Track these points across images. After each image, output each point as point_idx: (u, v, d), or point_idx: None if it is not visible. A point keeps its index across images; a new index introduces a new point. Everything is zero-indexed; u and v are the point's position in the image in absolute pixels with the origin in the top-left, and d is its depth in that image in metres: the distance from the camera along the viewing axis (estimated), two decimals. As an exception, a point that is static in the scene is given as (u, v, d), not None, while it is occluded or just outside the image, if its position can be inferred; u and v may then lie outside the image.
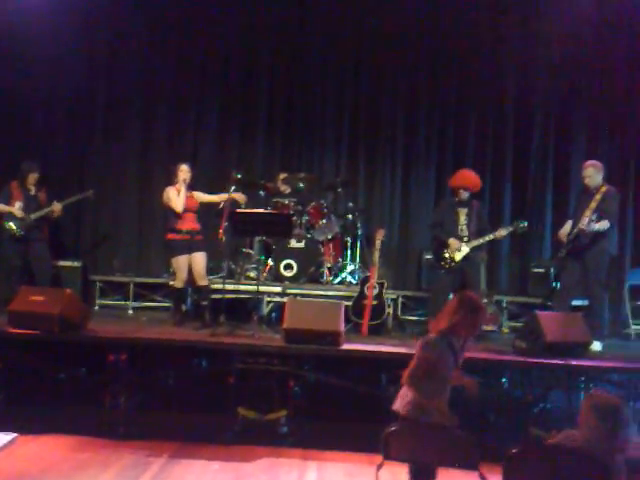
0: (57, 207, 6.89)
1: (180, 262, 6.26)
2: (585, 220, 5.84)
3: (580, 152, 7.87)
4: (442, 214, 6.66)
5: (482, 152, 8.16)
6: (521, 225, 6.42)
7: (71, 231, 8.17)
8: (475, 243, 6.36)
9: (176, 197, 6.26)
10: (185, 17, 8.20)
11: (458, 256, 6.34)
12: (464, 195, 6.50)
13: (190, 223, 6.32)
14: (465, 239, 6.38)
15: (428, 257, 7.65)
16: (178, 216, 6.27)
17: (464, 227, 6.46)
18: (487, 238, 6.37)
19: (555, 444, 2.81)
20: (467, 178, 6.59)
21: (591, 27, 7.85)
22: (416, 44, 8.18)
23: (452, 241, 6.37)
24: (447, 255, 6.39)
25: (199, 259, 6.29)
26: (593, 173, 6.07)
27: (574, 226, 6.07)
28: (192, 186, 6.45)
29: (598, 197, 5.98)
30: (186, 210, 6.29)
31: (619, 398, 2.93)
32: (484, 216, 6.66)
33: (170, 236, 6.33)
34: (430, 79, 8.23)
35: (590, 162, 6.19)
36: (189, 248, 6.26)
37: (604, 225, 5.86)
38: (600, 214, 5.89)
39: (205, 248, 6.41)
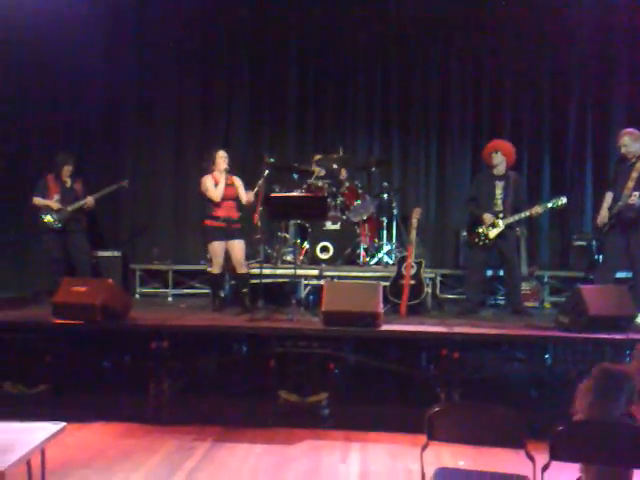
0: (90, 200, 6.97)
1: (215, 248, 6.27)
2: (634, 195, 5.66)
3: (618, 122, 7.63)
4: (478, 188, 6.55)
5: (518, 126, 8.00)
6: (559, 202, 6.27)
7: (109, 221, 8.28)
8: (510, 220, 6.24)
9: (213, 186, 6.22)
10: (212, 8, 8.17)
11: (492, 233, 6.24)
12: (498, 161, 6.37)
13: (228, 211, 6.27)
14: (500, 215, 6.27)
15: (465, 234, 7.55)
16: (216, 204, 6.27)
17: (499, 201, 6.34)
18: (523, 215, 6.24)
19: (604, 420, 2.75)
20: (499, 143, 6.51)
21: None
22: (447, 16, 8.00)
23: (486, 216, 6.26)
24: (481, 231, 6.29)
25: (237, 247, 6.28)
26: (629, 141, 5.87)
27: (616, 198, 5.90)
28: (231, 172, 6.37)
29: (638, 166, 5.81)
30: (224, 198, 6.24)
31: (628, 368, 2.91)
32: (522, 190, 6.49)
33: (207, 222, 6.33)
34: (463, 52, 8.09)
35: (626, 130, 5.99)
36: (226, 235, 6.25)
37: None
38: None
39: (243, 236, 6.39)
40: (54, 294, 5.50)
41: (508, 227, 6.26)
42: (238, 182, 6.38)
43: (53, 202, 6.84)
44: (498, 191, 6.37)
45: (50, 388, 5.20)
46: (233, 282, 6.94)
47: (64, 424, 3.09)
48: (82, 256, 7.01)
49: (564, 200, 6.26)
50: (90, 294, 5.32)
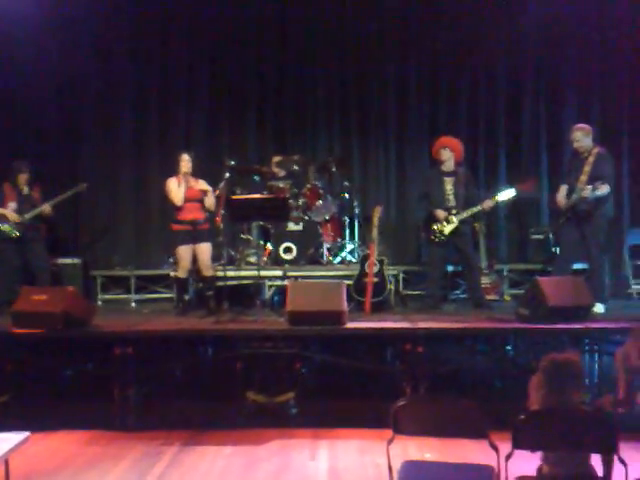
0: (47, 207, 6.84)
1: (182, 252, 6.24)
2: (587, 188, 5.80)
3: (571, 117, 7.83)
4: (428, 185, 6.67)
5: (475, 122, 8.14)
6: (509, 194, 6.43)
7: (69, 228, 8.16)
8: (464, 215, 6.36)
9: (176, 189, 6.21)
10: (171, 8, 8.11)
11: (447, 229, 6.35)
12: (446, 157, 6.50)
13: (193, 213, 6.25)
14: (454, 211, 6.38)
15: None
16: (180, 207, 6.23)
17: (451, 197, 6.46)
18: (475, 210, 6.37)
19: (561, 408, 2.84)
20: (445, 139, 6.64)
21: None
22: (402, 15, 8.11)
23: (439, 212, 6.38)
24: (436, 228, 6.39)
25: (204, 249, 6.27)
26: (581, 136, 6.04)
27: (570, 191, 6.06)
28: (196, 174, 6.36)
29: (591, 160, 5.97)
30: (189, 200, 6.22)
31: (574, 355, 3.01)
32: (472, 185, 6.63)
33: (173, 226, 6.32)
34: (418, 51, 8.18)
35: (578, 126, 6.16)
36: (193, 238, 6.23)
37: (605, 190, 5.86)
38: (597, 178, 5.87)
39: (210, 238, 6.36)
40: (13, 303, 5.40)
41: (462, 222, 6.37)
42: (205, 186, 6.35)
43: (9, 211, 6.71)
44: (448, 187, 6.48)
45: (12, 398, 5.10)
46: (197, 285, 6.91)
47: (28, 434, 3.06)
48: (41, 264, 6.90)
49: (513, 192, 6.42)
50: (50, 302, 5.24)
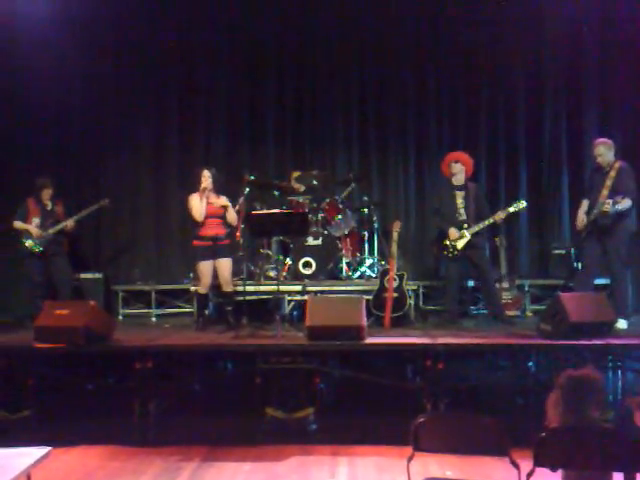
0: (70, 223, 6.94)
1: (203, 267, 6.27)
2: (608, 202, 5.76)
3: (592, 131, 7.79)
4: (440, 199, 6.66)
5: (494, 137, 8.11)
6: (520, 205, 6.39)
7: (90, 243, 8.23)
8: (475, 229, 6.34)
9: (197, 205, 6.23)
10: (190, 23, 8.23)
11: (460, 244, 6.33)
12: (457, 170, 6.50)
13: (214, 229, 6.25)
14: (465, 225, 6.36)
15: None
16: (201, 223, 6.27)
17: (462, 211, 6.44)
18: (487, 222, 6.34)
19: (582, 426, 2.80)
20: (456, 153, 6.68)
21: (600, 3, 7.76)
22: (422, 31, 8.15)
23: (452, 231, 6.37)
24: (448, 244, 6.37)
25: (224, 265, 6.27)
26: (604, 151, 6.01)
27: (592, 206, 6.01)
28: (219, 190, 6.39)
29: (613, 174, 5.92)
30: (210, 216, 6.23)
31: (593, 371, 2.95)
32: (483, 199, 6.61)
33: (194, 242, 6.34)
34: (438, 66, 8.19)
35: (600, 140, 6.13)
36: (213, 254, 6.24)
37: (627, 204, 5.82)
38: (618, 192, 5.82)
39: (231, 254, 6.39)
40: (36, 318, 5.46)
41: (474, 236, 6.34)
42: (225, 202, 6.35)
43: (32, 227, 6.80)
44: (459, 201, 6.47)
45: (34, 413, 5.14)
46: (217, 300, 6.93)
47: (49, 449, 3.07)
48: (64, 279, 6.97)
49: (524, 203, 6.41)
50: (72, 317, 5.28)
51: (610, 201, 5.77)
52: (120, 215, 8.24)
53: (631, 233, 6.18)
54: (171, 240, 8.25)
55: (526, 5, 7.88)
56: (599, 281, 6.51)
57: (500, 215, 6.35)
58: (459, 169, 6.52)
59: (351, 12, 8.17)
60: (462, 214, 6.43)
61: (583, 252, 6.32)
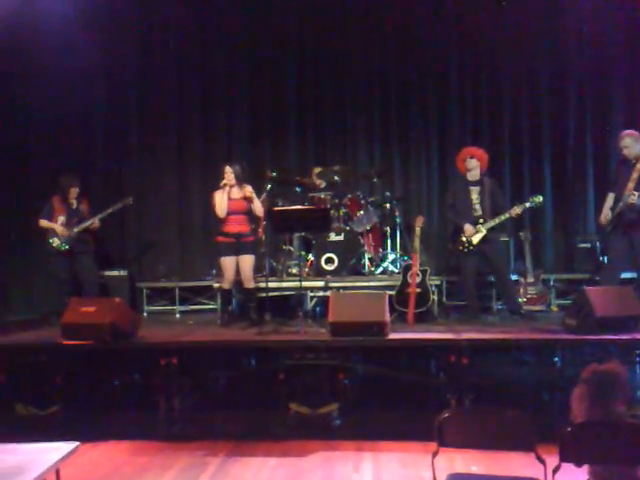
0: (96, 221, 7.00)
1: (225, 263, 6.29)
2: (634, 194, 5.68)
3: (617, 123, 7.69)
4: (454, 195, 6.60)
5: (518, 131, 8.04)
6: (536, 200, 6.31)
7: (115, 241, 8.32)
8: (491, 224, 6.28)
9: (219, 201, 6.25)
10: (209, 20, 8.26)
11: (475, 239, 6.29)
12: (472, 166, 6.44)
13: (237, 226, 6.27)
14: (481, 220, 6.31)
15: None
16: (224, 219, 6.29)
17: (477, 206, 6.39)
18: (503, 217, 6.29)
19: (607, 421, 2.77)
20: (471, 149, 6.61)
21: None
22: (444, 25, 8.09)
23: (467, 227, 6.32)
24: (464, 239, 6.33)
25: (246, 262, 6.29)
26: (630, 143, 5.92)
27: (617, 199, 5.93)
28: (244, 181, 6.37)
29: (639, 167, 5.84)
30: (232, 212, 6.26)
31: (616, 365, 2.91)
32: (499, 193, 6.54)
33: (217, 238, 6.38)
34: (460, 60, 8.14)
35: (627, 132, 6.03)
36: (236, 250, 6.26)
37: None
38: None
39: (254, 250, 6.40)
40: (62, 315, 5.53)
41: (490, 231, 6.29)
42: (250, 192, 6.34)
43: (58, 225, 6.88)
44: (474, 196, 6.42)
45: (62, 409, 5.22)
46: (239, 296, 6.97)
47: (77, 444, 3.11)
48: (89, 277, 7.04)
49: (540, 198, 6.33)
50: (98, 314, 5.36)
51: (637, 193, 5.69)
52: (144, 213, 8.31)
53: None
54: (194, 237, 8.31)
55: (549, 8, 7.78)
56: (625, 275, 6.42)
57: (516, 210, 6.28)
58: (474, 165, 6.46)
59: (372, 5, 8.14)
60: (477, 210, 6.38)
61: (609, 246, 6.24)
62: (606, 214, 6.04)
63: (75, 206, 7.05)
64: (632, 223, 5.84)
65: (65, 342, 5.35)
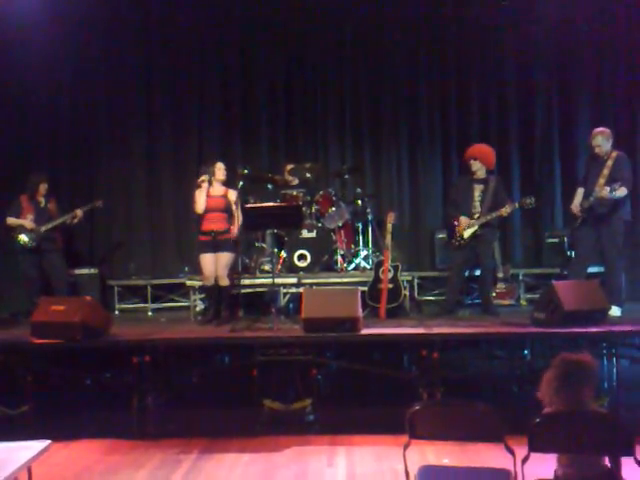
0: (79, 212, 6.98)
1: (203, 260, 6.25)
2: (605, 188, 5.77)
3: (583, 121, 7.86)
4: (458, 191, 6.66)
5: (486, 128, 8.14)
6: (528, 201, 6.39)
7: (85, 239, 8.23)
8: (483, 220, 6.34)
9: (198, 198, 6.26)
10: (180, 20, 8.20)
11: (467, 233, 6.35)
12: (476, 167, 6.47)
13: (214, 224, 6.24)
14: (476, 216, 6.37)
15: (440, 236, 7.68)
16: (201, 217, 6.29)
17: (477, 203, 6.44)
18: (494, 214, 6.32)
19: (576, 410, 2.83)
20: (478, 150, 6.59)
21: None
22: (413, 22, 8.15)
23: (462, 218, 6.38)
24: (457, 232, 6.40)
25: (221, 259, 6.23)
26: (602, 141, 6.02)
27: (588, 194, 6.04)
28: (226, 184, 6.40)
29: (610, 163, 5.95)
30: (211, 210, 6.24)
31: (588, 356, 2.98)
32: (501, 193, 6.52)
33: (199, 236, 6.38)
34: (429, 57, 8.22)
35: (599, 130, 6.12)
36: (214, 247, 6.23)
37: (623, 192, 5.84)
38: (615, 181, 5.84)
39: (232, 248, 6.34)
40: (32, 314, 5.47)
41: (482, 227, 6.35)
42: (232, 193, 6.37)
43: (27, 222, 6.81)
44: (476, 194, 6.46)
45: (33, 408, 5.16)
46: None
47: (49, 442, 3.10)
48: (59, 275, 6.98)
49: (532, 199, 6.38)
50: (69, 312, 5.30)
51: (608, 188, 5.79)
52: (115, 210, 8.23)
53: (626, 221, 6.22)
54: (166, 234, 8.27)
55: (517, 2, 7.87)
56: (592, 269, 6.55)
57: (507, 209, 6.32)
58: (478, 166, 6.46)
59: (344, 3, 8.16)
60: (477, 207, 6.41)
61: (577, 240, 6.34)
62: (576, 204, 6.13)
63: (43, 205, 6.98)
64: (601, 218, 5.96)
65: (35, 341, 5.29)
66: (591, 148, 6.14)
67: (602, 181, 5.91)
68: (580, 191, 6.20)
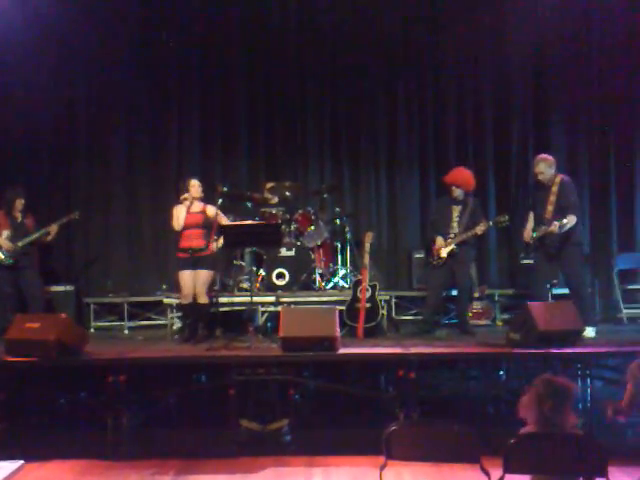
0: (53, 228, 6.92)
1: (181, 277, 6.24)
2: (555, 225, 5.83)
3: (559, 144, 7.99)
4: (437, 212, 6.77)
5: (464, 148, 8.24)
6: (502, 219, 6.49)
7: (61, 256, 8.14)
8: (459, 239, 6.42)
9: (177, 215, 6.25)
10: (159, 34, 8.20)
11: (443, 252, 6.43)
12: (457, 192, 6.56)
13: (192, 241, 6.23)
14: (452, 235, 6.45)
15: (418, 256, 7.74)
16: (179, 234, 6.27)
17: (455, 224, 6.52)
18: (470, 233, 6.41)
19: (553, 432, 2.87)
20: (459, 176, 6.64)
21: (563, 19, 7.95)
22: (390, 45, 8.26)
23: (438, 239, 6.48)
24: (434, 252, 6.48)
25: (200, 276, 6.21)
26: (544, 168, 6.12)
27: (538, 221, 6.13)
28: (205, 201, 6.40)
29: (555, 189, 6.04)
30: (189, 227, 6.24)
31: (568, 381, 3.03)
32: (479, 213, 6.63)
33: (177, 254, 6.36)
34: (408, 80, 8.32)
35: (541, 157, 6.22)
36: (193, 264, 6.21)
37: (573, 220, 5.92)
38: (562, 207, 5.93)
39: (210, 265, 6.33)
40: (6, 331, 5.40)
41: (459, 246, 6.42)
42: (211, 210, 6.36)
43: (3, 239, 6.74)
44: (454, 214, 6.56)
45: (6, 427, 5.07)
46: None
47: (22, 462, 3.06)
48: (34, 292, 6.90)
49: (506, 218, 6.48)
50: (44, 330, 5.23)
51: (557, 223, 5.84)
52: (91, 227, 8.17)
53: (580, 246, 6.34)
54: (143, 252, 8.22)
55: (491, 16, 8.00)
56: (560, 290, 6.64)
57: (482, 227, 6.42)
58: (458, 192, 6.55)
59: (322, 21, 8.26)
60: (454, 227, 6.50)
61: (535, 262, 6.43)
62: (529, 233, 6.21)
63: (20, 220, 6.92)
64: (553, 248, 6.05)
65: (8, 359, 5.22)
66: (535, 176, 6.22)
67: (550, 208, 6.01)
68: (531, 216, 6.30)
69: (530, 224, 6.28)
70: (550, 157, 6.20)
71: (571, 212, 5.93)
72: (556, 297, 6.50)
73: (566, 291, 6.50)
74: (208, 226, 6.30)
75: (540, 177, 6.13)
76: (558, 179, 6.10)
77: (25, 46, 7.69)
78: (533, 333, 5.20)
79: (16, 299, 6.87)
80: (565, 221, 5.85)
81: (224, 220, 6.39)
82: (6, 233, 6.78)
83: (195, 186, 6.32)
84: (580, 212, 6.21)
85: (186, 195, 6.28)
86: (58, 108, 8.15)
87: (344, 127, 8.36)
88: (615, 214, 7.93)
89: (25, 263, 6.86)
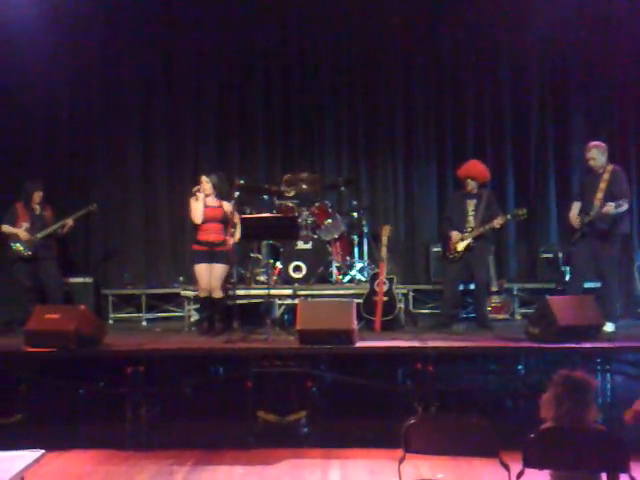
0: (69, 221, 6.96)
1: (198, 270, 6.22)
2: (610, 205, 5.74)
3: (577, 135, 7.91)
4: (452, 207, 6.70)
5: (481, 141, 8.17)
6: (520, 212, 6.42)
7: (80, 248, 8.20)
8: (475, 233, 6.36)
9: (195, 207, 6.23)
10: (179, 30, 8.22)
11: (460, 246, 6.37)
12: (471, 186, 6.50)
13: (211, 235, 6.22)
14: (469, 229, 6.40)
15: (435, 250, 7.69)
16: (198, 227, 6.27)
17: (471, 218, 6.46)
18: (487, 227, 6.35)
19: (574, 427, 2.83)
20: (472, 169, 6.59)
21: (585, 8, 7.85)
22: (411, 38, 8.19)
23: (453, 234, 6.42)
24: (450, 245, 6.43)
25: (215, 271, 6.20)
26: (597, 154, 6.04)
27: (585, 209, 6.05)
28: (222, 196, 6.37)
29: (606, 177, 5.96)
30: (208, 220, 6.23)
31: (587, 375, 2.99)
32: (494, 206, 6.54)
33: (193, 246, 6.36)
34: (427, 72, 8.27)
35: (593, 143, 6.14)
36: (210, 258, 6.20)
37: (624, 207, 5.85)
38: (613, 195, 5.85)
39: (228, 260, 6.31)
40: (26, 322, 5.45)
41: (475, 240, 6.37)
42: (227, 205, 6.35)
43: (22, 230, 6.79)
44: (470, 208, 6.49)
45: (26, 417, 5.14)
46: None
47: (43, 452, 3.08)
48: (53, 283, 6.96)
49: (524, 211, 6.41)
50: (63, 321, 5.28)
51: (612, 203, 5.77)
52: (110, 219, 8.22)
53: (623, 236, 6.24)
54: (161, 244, 8.26)
55: (511, 9, 7.92)
56: (588, 284, 6.57)
57: (499, 221, 6.34)
58: (472, 185, 6.49)
59: (340, 14, 8.21)
60: (470, 221, 6.44)
61: (574, 255, 6.31)
62: (574, 218, 6.11)
63: (39, 212, 6.96)
64: (602, 233, 5.94)
65: (28, 350, 5.27)
66: (586, 162, 6.16)
67: (600, 195, 5.91)
68: (576, 205, 6.19)
69: (575, 210, 6.16)
70: (603, 144, 6.11)
71: (624, 199, 5.86)
72: (586, 291, 6.39)
73: (597, 285, 6.44)
74: (226, 221, 6.30)
75: (592, 163, 6.05)
76: (610, 167, 6.03)
77: (44, 48, 7.74)
78: (552, 328, 5.16)
79: (36, 291, 6.92)
80: (621, 202, 5.79)
81: (237, 219, 6.36)
82: (25, 225, 6.83)
83: (204, 182, 6.30)
84: (631, 202, 6.10)
85: (197, 187, 6.28)
86: (76, 101, 8.18)
87: (361, 120, 8.32)
88: (636, 210, 7.82)
89: (44, 255, 6.91)
